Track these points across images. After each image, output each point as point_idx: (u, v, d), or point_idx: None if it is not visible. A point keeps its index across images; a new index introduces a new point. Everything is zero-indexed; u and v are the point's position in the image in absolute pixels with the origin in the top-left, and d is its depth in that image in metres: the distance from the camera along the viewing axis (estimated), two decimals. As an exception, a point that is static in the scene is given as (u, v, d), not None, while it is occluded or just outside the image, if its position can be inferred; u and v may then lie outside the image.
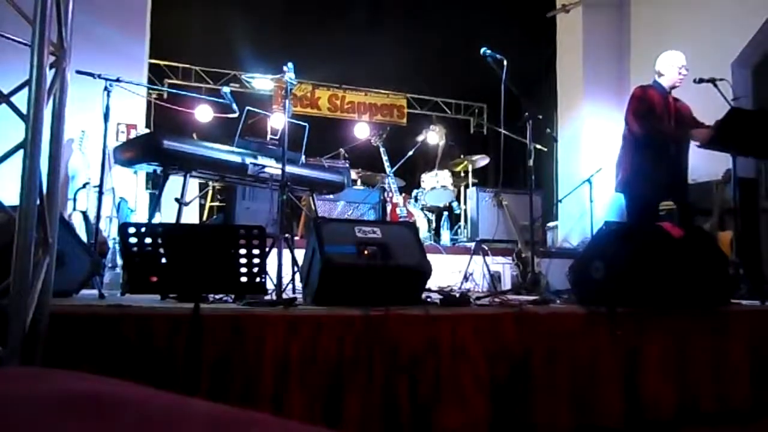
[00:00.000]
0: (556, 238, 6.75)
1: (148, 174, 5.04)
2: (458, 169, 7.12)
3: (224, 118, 5.25)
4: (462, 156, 7.20)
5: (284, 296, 2.84)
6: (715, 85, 4.01)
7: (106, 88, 3.54)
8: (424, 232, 6.22)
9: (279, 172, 3.30)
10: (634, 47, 6.79)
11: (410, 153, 7.08)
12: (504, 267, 5.22)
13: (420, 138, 7.31)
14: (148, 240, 1.88)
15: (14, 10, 2.02)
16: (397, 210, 6.42)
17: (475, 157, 7.11)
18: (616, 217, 5.67)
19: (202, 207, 6.50)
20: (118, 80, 3.61)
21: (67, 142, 4.78)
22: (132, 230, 1.89)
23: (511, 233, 5.53)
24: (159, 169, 3.49)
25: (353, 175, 6.94)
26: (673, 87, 4.17)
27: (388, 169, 6.68)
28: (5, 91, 1.96)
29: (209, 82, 9.10)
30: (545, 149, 6.29)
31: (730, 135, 3.71)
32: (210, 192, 6.63)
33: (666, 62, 4.17)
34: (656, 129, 4.03)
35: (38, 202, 1.92)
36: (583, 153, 6.63)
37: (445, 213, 6.84)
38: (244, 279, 1.94)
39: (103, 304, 2.39)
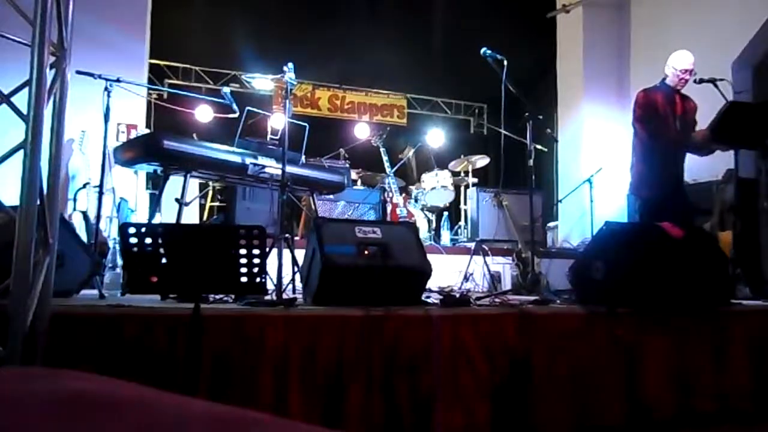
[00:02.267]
0: (556, 238, 6.75)
1: (148, 174, 5.04)
2: (458, 169, 7.13)
3: (224, 118, 5.26)
4: (463, 156, 7.20)
5: (284, 296, 2.84)
6: (716, 85, 4.01)
7: (106, 89, 3.55)
8: (424, 232, 6.22)
9: (279, 172, 3.30)
10: (634, 47, 6.79)
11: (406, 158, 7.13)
12: (504, 267, 5.22)
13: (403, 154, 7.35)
14: (148, 240, 1.88)
15: (14, 10, 2.02)
16: (398, 210, 6.42)
17: (475, 157, 7.11)
18: (622, 218, 5.67)
19: (202, 207, 6.50)
20: (118, 80, 3.62)
21: (68, 142, 4.78)
22: (132, 230, 1.89)
23: (512, 233, 5.53)
24: (159, 170, 3.49)
25: (353, 175, 6.94)
26: (677, 86, 4.14)
27: (388, 170, 6.68)
28: (5, 91, 1.96)
29: (209, 82, 9.10)
30: (545, 149, 6.29)
31: (731, 130, 3.68)
32: (210, 192, 6.63)
33: (668, 63, 4.15)
34: (659, 132, 4.04)
35: (38, 202, 1.93)
36: (583, 153, 6.63)
37: (445, 213, 6.84)
38: (244, 279, 1.94)
39: (104, 304, 2.39)
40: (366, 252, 2.69)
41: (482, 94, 10.07)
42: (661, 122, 4.06)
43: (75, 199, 4.73)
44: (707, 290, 2.98)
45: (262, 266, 1.95)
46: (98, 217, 3.59)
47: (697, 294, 2.93)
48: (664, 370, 2.71)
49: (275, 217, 3.58)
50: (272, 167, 3.68)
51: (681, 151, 4.18)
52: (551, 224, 6.96)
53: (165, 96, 7.58)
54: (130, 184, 5.03)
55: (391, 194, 6.55)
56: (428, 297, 3.03)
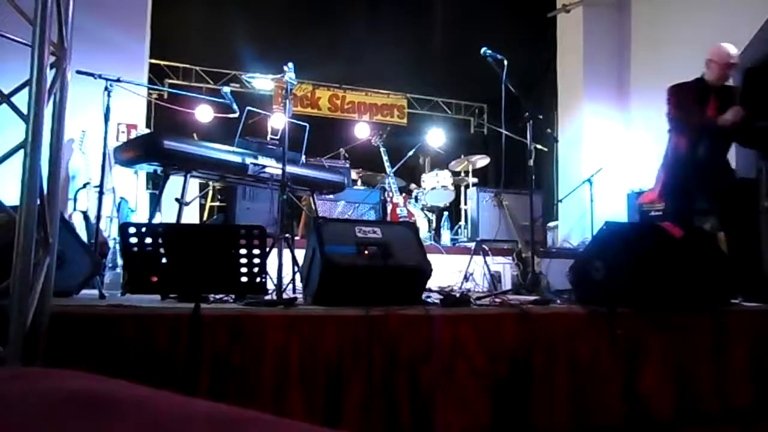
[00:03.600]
0: (556, 238, 6.75)
1: (148, 174, 5.04)
2: (458, 169, 7.13)
3: (224, 118, 5.26)
4: (463, 156, 7.21)
5: (284, 296, 2.84)
6: (716, 85, 3.99)
7: (106, 88, 3.54)
8: (424, 232, 6.22)
9: (279, 172, 3.30)
10: (634, 47, 6.79)
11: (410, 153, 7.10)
12: (504, 267, 5.21)
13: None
14: (148, 240, 1.88)
15: (15, 10, 2.02)
16: (398, 210, 6.42)
17: (475, 157, 7.11)
18: (622, 218, 5.68)
19: (202, 207, 6.50)
20: (118, 80, 3.61)
21: (68, 142, 4.78)
22: (132, 230, 1.89)
23: (512, 233, 5.53)
24: (159, 169, 3.49)
25: (353, 175, 6.94)
26: (717, 81, 3.85)
27: (388, 169, 6.68)
28: (6, 91, 1.96)
29: (209, 82, 9.10)
30: (545, 149, 6.30)
31: (761, 100, 3.47)
32: (210, 192, 6.63)
33: (707, 56, 3.87)
34: (681, 122, 3.87)
35: (39, 202, 1.93)
36: (584, 153, 6.64)
37: (446, 213, 6.84)
38: (244, 279, 1.94)
39: (104, 304, 2.40)
40: (366, 252, 2.69)
41: (482, 94, 10.07)
42: (686, 112, 3.83)
43: (75, 199, 4.72)
44: (707, 290, 2.98)
45: (262, 266, 1.95)
46: (98, 217, 3.58)
47: (697, 294, 2.93)
48: (663, 370, 2.71)
49: (275, 217, 3.59)
50: (272, 167, 3.69)
51: (714, 150, 3.88)
52: (551, 224, 6.96)
53: (165, 96, 7.59)
54: (130, 184, 5.03)
55: (391, 194, 6.55)
56: (428, 297, 3.03)
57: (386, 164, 6.69)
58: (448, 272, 4.72)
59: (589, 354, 2.60)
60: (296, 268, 3.35)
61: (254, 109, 3.86)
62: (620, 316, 2.67)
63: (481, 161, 7.15)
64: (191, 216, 5.40)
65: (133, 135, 4.99)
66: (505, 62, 3.82)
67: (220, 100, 3.97)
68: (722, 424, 2.77)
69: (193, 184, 4.84)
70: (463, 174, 7.15)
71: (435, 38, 8.13)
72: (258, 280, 1.95)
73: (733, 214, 3.87)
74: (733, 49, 3.85)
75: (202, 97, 6.85)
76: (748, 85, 3.45)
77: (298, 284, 3.24)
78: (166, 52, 8.00)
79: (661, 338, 2.75)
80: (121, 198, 4.87)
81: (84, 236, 3.83)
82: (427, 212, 6.63)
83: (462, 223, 7.06)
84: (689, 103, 3.87)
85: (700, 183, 3.93)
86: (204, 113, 7.50)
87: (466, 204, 7.08)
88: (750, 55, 5.60)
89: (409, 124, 9.88)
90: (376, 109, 9.88)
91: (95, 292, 2.97)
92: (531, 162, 3.88)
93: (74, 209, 4.64)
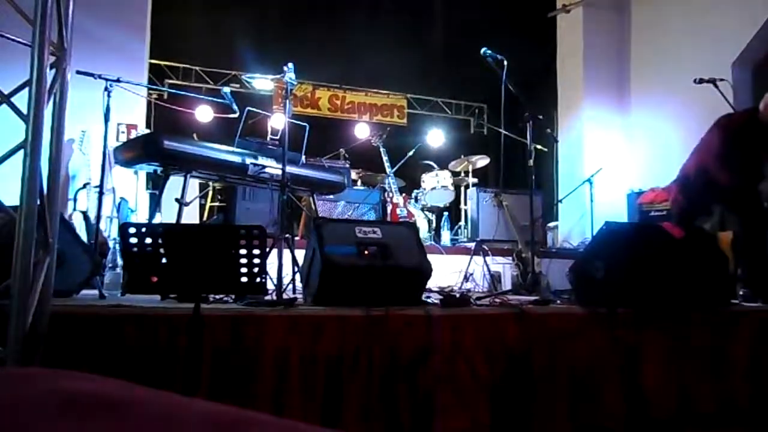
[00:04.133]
0: (556, 239, 6.75)
1: (148, 174, 5.04)
2: (458, 169, 7.13)
3: (224, 119, 5.26)
4: (463, 156, 7.21)
5: (284, 296, 2.84)
6: (716, 86, 4.00)
7: (106, 89, 3.54)
8: (424, 232, 6.22)
9: (279, 172, 3.30)
10: (634, 47, 6.80)
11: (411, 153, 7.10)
12: (504, 267, 5.21)
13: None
14: (148, 240, 1.88)
15: (14, 10, 2.02)
16: (398, 210, 6.42)
17: (475, 158, 7.11)
18: (622, 218, 5.68)
19: (202, 207, 6.50)
20: (118, 80, 3.61)
21: (68, 143, 4.77)
22: (132, 230, 1.89)
23: (512, 233, 5.53)
24: (159, 170, 3.49)
25: (353, 175, 6.94)
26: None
27: (388, 170, 6.68)
28: (6, 91, 1.96)
29: (209, 82, 9.10)
30: (545, 149, 6.30)
31: None
32: (210, 192, 6.63)
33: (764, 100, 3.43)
34: (722, 179, 3.56)
35: (39, 202, 1.93)
36: (584, 153, 6.64)
37: (446, 213, 6.85)
38: (244, 279, 1.94)
39: (104, 304, 2.40)
40: (366, 252, 2.68)
41: (482, 94, 10.08)
42: (737, 161, 3.47)
43: (75, 199, 4.72)
44: (707, 290, 2.98)
45: (262, 266, 1.95)
46: (98, 217, 3.58)
47: (697, 294, 2.93)
48: (663, 371, 2.71)
49: (275, 217, 3.59)
50: (272, 167, 3.69)
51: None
52: (551, 224, 6.96)
53: (165, 96, 7.58)
54: (130, 184, 5.03)
55: (391, 194, 6.55)
56: (428, 297, 3.03)
57: (386, 164, 6.69)
58: (448, 272, 4.72)
59: (589, 354, 2.60)
60: (296, 268, 3.35)
61: (254, 110, 3.86)
62: (620, 316, 2.67)
63: (481, 161, 7.15)
64: (191, 216, 5.39)
65: (133, 135, 4.99)
66: (505, 62, 3.82)
67: (220, 101, 3.97)
68: (722, 424, 2.77)
69: (193, 184, 4.84)
70: (463, 174, 7.15)
71: (435, 38, 8.14)
72: (258, 280, 1.95)
73: (747, 210, 3.74)
74: None
75: (202, 97, 6.85)
76: None
77: (298, 284, 3.24)
78: (166, 52, 8.01)
79: (661, 338, 2.75)
80: (121, 198, 4.87)
81: (84, 236, 3.83)
82: (427, 212, 6.63)
83: (462, 223, 7.06)
84: (745, 154, 3.49)
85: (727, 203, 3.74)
86: (204, 113, 7.50)
87: (466, 204, 7.08)
88: (750, 54, 5.61)
89: (409, 125, 9.88)
90: (376, 109, 9.88)
91: (95, 292, 2.97)
92: (531, 162, 3.87)
93: (74, 209, 4.64)
